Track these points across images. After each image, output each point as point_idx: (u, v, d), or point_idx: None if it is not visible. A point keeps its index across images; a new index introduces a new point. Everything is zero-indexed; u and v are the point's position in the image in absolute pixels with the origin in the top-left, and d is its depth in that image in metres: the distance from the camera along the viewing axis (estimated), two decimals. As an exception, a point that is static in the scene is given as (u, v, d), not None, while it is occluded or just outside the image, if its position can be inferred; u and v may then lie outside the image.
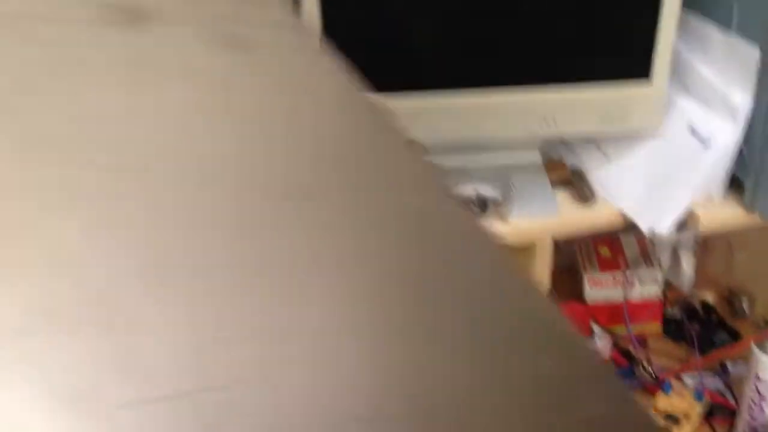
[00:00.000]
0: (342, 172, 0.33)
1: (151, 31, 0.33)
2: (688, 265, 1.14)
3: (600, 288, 1.12)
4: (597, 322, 1.11)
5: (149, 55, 0.33)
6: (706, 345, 1.11)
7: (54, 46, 0.33)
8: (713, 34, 0.87)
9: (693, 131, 0.89)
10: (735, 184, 0.90)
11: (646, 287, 1.12)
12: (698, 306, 1.18)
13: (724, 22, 0.85)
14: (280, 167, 0.32)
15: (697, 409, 1.02)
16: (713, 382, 1.07)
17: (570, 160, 1.00)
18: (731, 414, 1.03)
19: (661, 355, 1.12)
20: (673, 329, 1.15)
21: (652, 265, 1.12)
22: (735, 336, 1.13)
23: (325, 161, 0.33)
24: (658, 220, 0.89)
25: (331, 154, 0.34)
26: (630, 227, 0.92)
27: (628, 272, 1.10)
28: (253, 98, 0.34)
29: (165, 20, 0.34)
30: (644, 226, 0.89)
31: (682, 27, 0.90)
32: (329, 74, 0.36)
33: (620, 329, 1.11)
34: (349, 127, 0.35)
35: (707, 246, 1.17)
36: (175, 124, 0.32)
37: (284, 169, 0.32)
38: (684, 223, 0.91)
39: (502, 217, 0.90)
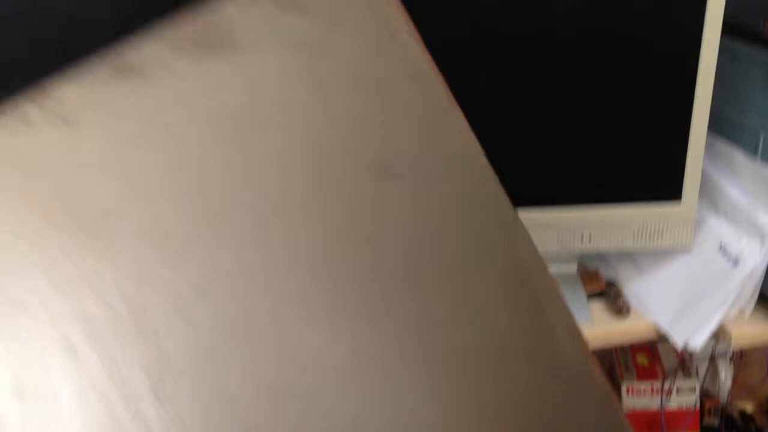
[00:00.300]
0: (488, 266, 0.42)
1: (392, 186, 0.43)
2: (725, 374, 1.16)
3: (637, 396, 1.14)
4: (634, 430, 1.12)
5: (388, 205, 0.43)
6: (744, 456, 1.11)
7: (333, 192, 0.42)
8: (740, 158, 0.91)
9: (722, 250, 0.92)
10: (765, 301, 0.92)
11: (683, 396, 1.13)
12: (736, 415, 1.18)
13: (750, 149, 0.90)
14: (442, 261, 0.42)
15: None
16: (752, 495, 1.07)
17: (605, 272, 1.04)
18: None
19: (699, 465, 1.13)
20: (711, 439, 1.15)
21: (689, 374, 1.14)
22: (774, 448, 1.13)
23: (476, 259, 0.42)
24: (691, 336, 0.92)
25: (480, 250, 0.43)
26: (666, 337, 0.95)
27: (665, 381, 1.12)
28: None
29: (400, 176, 0.43)
30: (678, 341, 0.92)
31: (711, 150, 0.95)
32: (489, 194, 0.45)
33: (658, 438, 1.13)
34: (496, 229, 0.44)
35: (744, 355, 1.19)
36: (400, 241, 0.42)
37: (447, 263, 0.41)
38: (717, 338, 0.93)
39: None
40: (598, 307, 1.00)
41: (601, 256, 1.06)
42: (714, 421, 1.18)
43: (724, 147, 0.94)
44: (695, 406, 1.14)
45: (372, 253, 0.41)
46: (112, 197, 0.40)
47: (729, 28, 0.85)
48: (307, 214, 0.41)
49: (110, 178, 0.40)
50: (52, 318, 0.38)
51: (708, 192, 0.96)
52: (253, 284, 0.39)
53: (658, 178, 0.91)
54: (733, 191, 0.93)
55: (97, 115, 0.41)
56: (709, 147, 0.93)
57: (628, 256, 1.03)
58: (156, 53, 0.43)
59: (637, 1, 0.82)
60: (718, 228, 0.94)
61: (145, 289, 0.38)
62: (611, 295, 1.00)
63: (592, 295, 1.01)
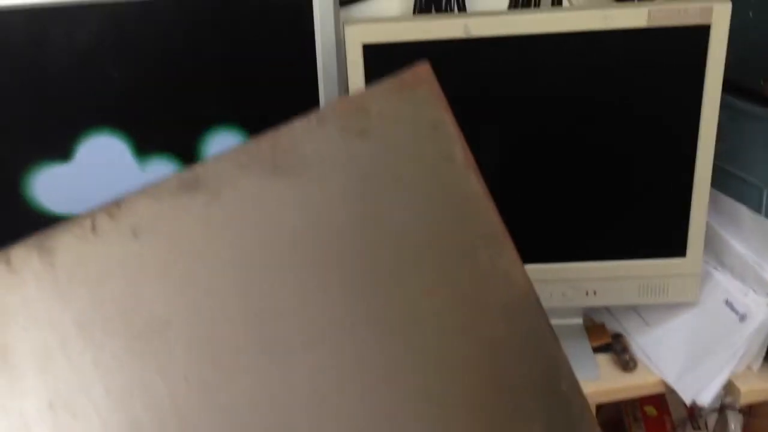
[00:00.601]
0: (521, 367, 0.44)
1: (438, 308, 0.49)
2: (735, 425, 1.14)
3: (646, 449, 1.12)
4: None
5: (438, 330, 0.48)
6: None
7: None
8: (744, 213, 0.91)
9: (729, 304, 0.92)
10: (773, 356, 0.92)
11: (693, 449, 1.12)
12: (748, 468, 1.17)
13: (754, 204, 0.90)
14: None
15: None
16: None
17: (611, 324, 1.04)
18: None
19: None
20: (722, 493, 1.13)
21: (698, 426, 1.12)
22: (787, 502, 1.11)
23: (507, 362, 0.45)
24: (699, 392, 0.91)
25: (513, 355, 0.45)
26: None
27: (674, 433, 1.11)
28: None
29: (448, 306, 0.48)
30: (686, 397, 0.91)
31: (716, 206, 0.95)
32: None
33: (668, 492, 1.11)
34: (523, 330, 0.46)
35: (754, 406, 1.17)
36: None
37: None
38: (725, 392, 0.93)
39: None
40: (604, 361, 0.99)
41: (607, 309, 1.06)
42: (725, 473, 1.16)
43: (728, 202, 0.94)
44: (705, 459, 1.13)
45: (422, 378, 0.42)
46: (170, 308, 0.42)
47: (729, 85, 0.86)
48: (359, 336, 0.43)
49: (169, 289, 0.43)
50: (105, 425, 0.39)
51: (713, 247, 0.95)
52: (302, 404, 0.41)
53: (663, 234, 0.91)
54: (738, 246, 0.93)
55: (162, 226, 0.44)
56: (713, 202, 0.93)
57: (634, 309, 1.02)
58: (223, 170, 0.45)
59: (638, 59, 0.83)
60: (724, 283, 0.94)
61: (195, 402, 0.40)
62: (618, 349, 0.99)
63: (597, 349, 1.00)
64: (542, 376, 0.45)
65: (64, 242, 0.43)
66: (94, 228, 0.43)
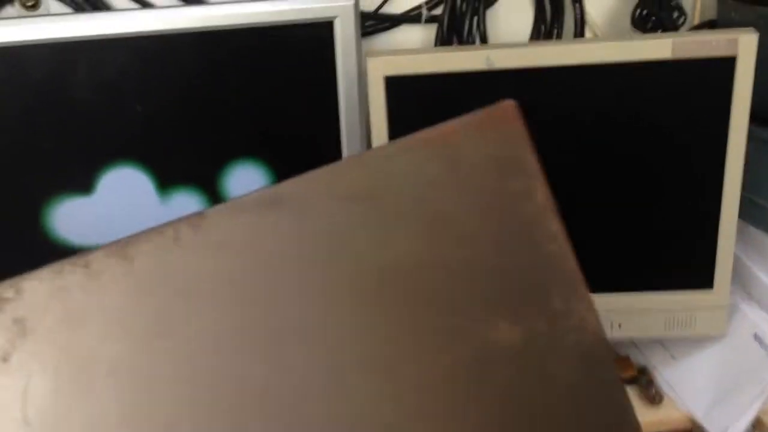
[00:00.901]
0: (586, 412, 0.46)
1: (502, 342, 0.48)
2: (764, 460, 1.12)
3: (672, 484, 1.10)
4: None
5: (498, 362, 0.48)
6: None
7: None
8: (772, 245, 0.90)
9: (758, 338, 0.90)
10: (804, 391, 0.90)
11: (720, 484, 1.09)
12: (777, 504, 1.14)
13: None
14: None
15: None
16: None
17: (636, 358, 1.02)
18: None
19: None
20: None
21: (726, 461, 1.10)
22: None
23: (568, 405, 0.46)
24: (726, 427, 0.89)
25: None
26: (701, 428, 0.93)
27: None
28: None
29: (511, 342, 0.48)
30: (713, 432, 0.90)
31: (744, 237, 0.94)
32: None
33: None
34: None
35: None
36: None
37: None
38: (754, 428, 0.91)
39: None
40: (629, 395, 0.97)
41: (632, 341, 1.04)
42: None
43: (756, 234, 0.93)
44: (734, 495, 1.10)
45: (491, 419, 0.42)
46: (245, 322, 0.42)
47: (756, 116, 0.85)
48: (428, 370, 0.43)
49: (244, 303, 0.43)
50: None
51: (741, 279, 0.94)
52: None
53: (689, 266, 0.90)
54: (766, 279, 0.91)
55: (243, 241, 0.44)
56: (740, 234, 0.91)
57: (660, 342, 1.01)
58: (304, 190, 0.46)
59: (663, 92, 0.82)
60: (752, 316, 0.93)
61: (256, 418, 0.40)
62: (643, 383, 0.98)
63: (623, 382, 0.99)
64: (608, 424, 0.45)
65: (144, 250, 0.43)
66: (176, 238, 0.43)
